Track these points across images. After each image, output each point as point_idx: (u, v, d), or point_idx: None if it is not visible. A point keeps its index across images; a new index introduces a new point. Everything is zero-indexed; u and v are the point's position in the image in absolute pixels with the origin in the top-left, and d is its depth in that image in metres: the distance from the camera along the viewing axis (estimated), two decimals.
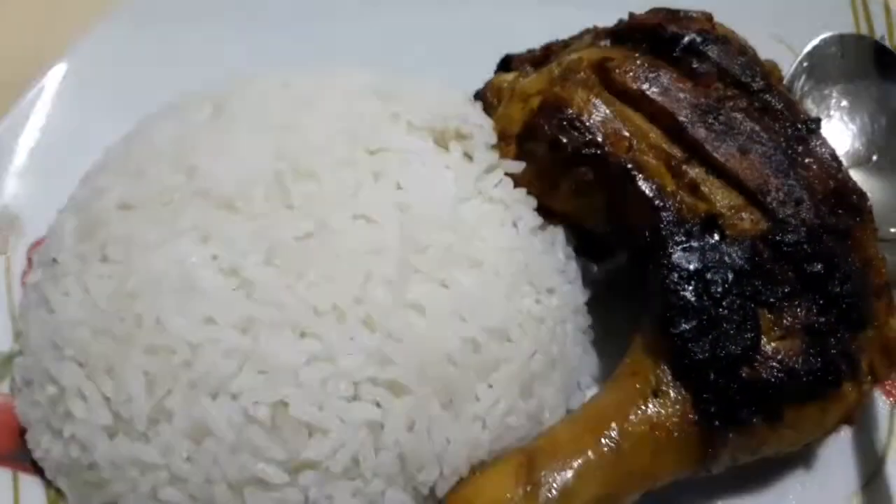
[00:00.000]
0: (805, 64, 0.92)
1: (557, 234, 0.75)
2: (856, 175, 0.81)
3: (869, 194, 0.74)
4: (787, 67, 0.91)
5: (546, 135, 0.73)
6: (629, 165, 0.71)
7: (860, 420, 0.72)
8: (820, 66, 0.91)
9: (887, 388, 0.76)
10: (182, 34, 0.96)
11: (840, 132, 0.88)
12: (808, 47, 0.93)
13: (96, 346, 0.62)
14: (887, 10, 1.00)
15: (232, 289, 0.62)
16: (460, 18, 0.97)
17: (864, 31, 0.99)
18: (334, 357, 0.60)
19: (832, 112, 0.89)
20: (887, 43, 0.97)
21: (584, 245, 0.80)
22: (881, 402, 0.76)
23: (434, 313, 0.63)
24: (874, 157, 0.86)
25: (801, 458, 0.72)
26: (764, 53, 0.85)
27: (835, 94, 0.89)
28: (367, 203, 0.66)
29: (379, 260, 0.64)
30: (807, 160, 0.73)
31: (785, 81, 0.90)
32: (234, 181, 0.66)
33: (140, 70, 0.94)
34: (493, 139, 0.75)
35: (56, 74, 0.92)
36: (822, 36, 0.93)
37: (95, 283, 0.65)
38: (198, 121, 0.72)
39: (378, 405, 0.61)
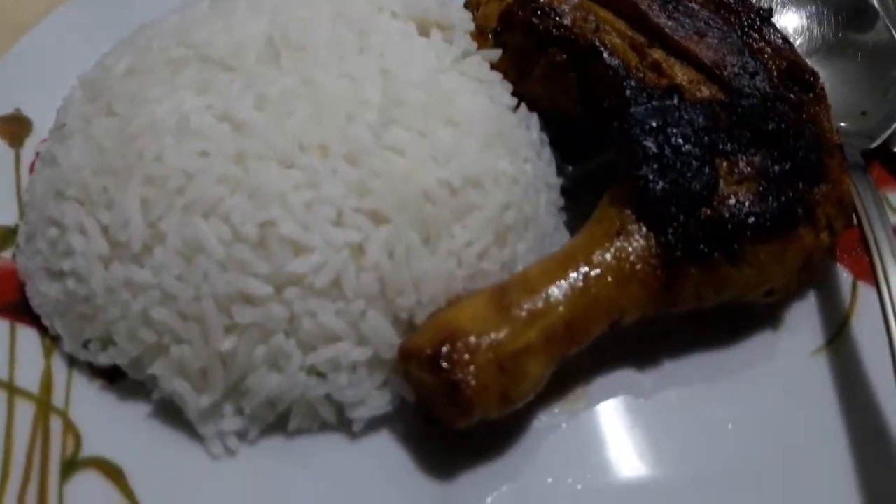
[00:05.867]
0: None
1: (532, 118, 0.81)
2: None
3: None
4: None
5: (520, 20, 0.79)
6: (596, 43, 0.77)
7: (818, 275, 0.76)
8: None
9: (850, 262, 0.80)
10: None
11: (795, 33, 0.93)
12: None
13: (97, 182, 0.67)
14: None
15: (224, 130, 0.67)
16: None
17: None
18: (318, 185, 0.65)
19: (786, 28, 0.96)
20: None
21: (559, 143, 0.86)
22: (844, 275, 0.80)
23: (412, 155, 0.68)
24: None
25: (769, 317, 0.76)
26: None
27: (787, 13, 0.95)
28: (352, 67, 0.72)
29: (361, 108, 0.69)
30: (761, 44, 0.79)
31: None
32: (229, 46, 0.71)
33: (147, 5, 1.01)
34: (472, 28, 0.82)
35: (71, 7, 1.00)
36: None
37: (99, 133, 0.70)
38: (197, 9, 0.79)
39: (360, 230, 0.65)
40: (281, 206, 0.64)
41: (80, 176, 0.68)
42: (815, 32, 0.91)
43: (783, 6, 0.95)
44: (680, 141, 0.70)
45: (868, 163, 0.86)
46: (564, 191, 0.82)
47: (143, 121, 0.68)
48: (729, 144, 0.71)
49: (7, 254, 0.77)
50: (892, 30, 0.90)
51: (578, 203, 0.81)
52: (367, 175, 0.66)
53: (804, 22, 0.92)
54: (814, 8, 0.93)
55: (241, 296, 0.63)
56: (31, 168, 0.84)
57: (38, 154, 0.85)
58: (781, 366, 0.73)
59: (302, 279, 0.63)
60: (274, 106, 0.68)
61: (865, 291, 0.77)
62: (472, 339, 0.62)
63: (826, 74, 0.86)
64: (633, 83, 0.74)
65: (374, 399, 0.66)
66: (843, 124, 0.85)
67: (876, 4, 0.99)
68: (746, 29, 0.80)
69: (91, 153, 0.69)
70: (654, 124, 0.71)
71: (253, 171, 0.65)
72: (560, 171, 0.83)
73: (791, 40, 0.82)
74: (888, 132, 0.85)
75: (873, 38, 0.89)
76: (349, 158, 0.66)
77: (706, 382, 0.72)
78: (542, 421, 0.69)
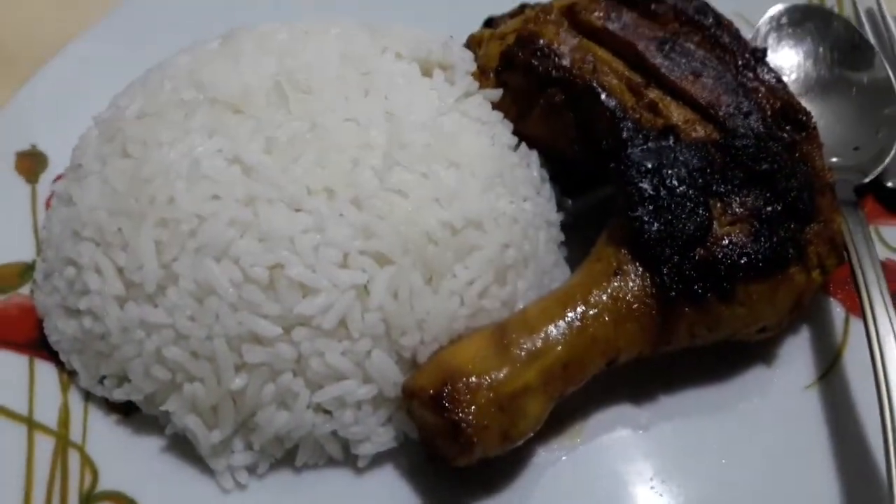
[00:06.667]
0: (760, 31, 1.01)
1: (532, 155, 0.83)
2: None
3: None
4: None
5: (521, 61, 0.82)
6: (594, 84, 0.79)
7: (811, 310, 0.78)
8: (773, 32, 1.00)
9: (843, 297, 0.82)
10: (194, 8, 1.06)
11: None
12: (764, 17, 1.02)
13: (112, 224, 0.69)
14: None
15: (234, 173, 0.69)
16: None
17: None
18: (325, 228, 0.67)
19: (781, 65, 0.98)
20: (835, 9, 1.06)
21: (559, 178, 0.88)
22: (837, 310, 0.82)
23: (415, 197, 0.70)
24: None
25: (763, 352, 0.78)
26: None
27: (782, 49, 0.97)
28: (357, 110, 0.74)
29: (366, 152, 0.71)
30: (754, 83, 0.81)
31: None
32: (238, 89, 0.74)
33: (157, 41, 1.03)
34: (473, 67, 0.84)
35: (85, 42, 1.03)
36: (776, 7, 1.02)
37: (114, 175, 0.72)
38: (208, 50, 0.81)
39: (365, 272, 0.67)
40: (289, 249, 0.66)
41: (95, 217, 0.71)
42: (809, 68, 0.93)
43: (779, 42, 0.97)
44: (675, 182, 0.73)
45: (861, 197, 0.88)
46: (564, 226, 0.84)
47: (155, 164, 0.71)
48: (723, 185, 0.73)
49: (24, 289, 0.80)
50: (887, 66, 0.91)
51: (578, 238, 0.83)
52: (372, 218, 0.68)
53: (799, 58, 0.94)
54: (809, 44, 0.95)
55: (251, 336, 0.65)
56: (47, 203, 0.87)
57: (52, 192, 0.88)
58: (775, 400, 0.75)
59: (310, 320, 0.65)
60: (282, 150, 0.70)
61: (858, 326, 0.78)
62: (473, 379, 0.64)
63: (820, 110, 0.89)
64: (629, 124, 0.76)
65: (379, 435, 0.69)
66: (835, 159, 0.87)
67: (871, 39, 1.01)
68: (741, 68, 0.82)
69: (106, 195, 0.72)
70: (649, 166, 0.74)
71: (262, 215, 0.67)
72: (560, 206, 0.85)
73: (786, 77, 0.85)
74: (881, 168, 0.87)
75: (868, 74, 0.91)
76: (355, 202, 0.69)
77: (701, 417, 0.74)
78: (542, 456, 0.71)
